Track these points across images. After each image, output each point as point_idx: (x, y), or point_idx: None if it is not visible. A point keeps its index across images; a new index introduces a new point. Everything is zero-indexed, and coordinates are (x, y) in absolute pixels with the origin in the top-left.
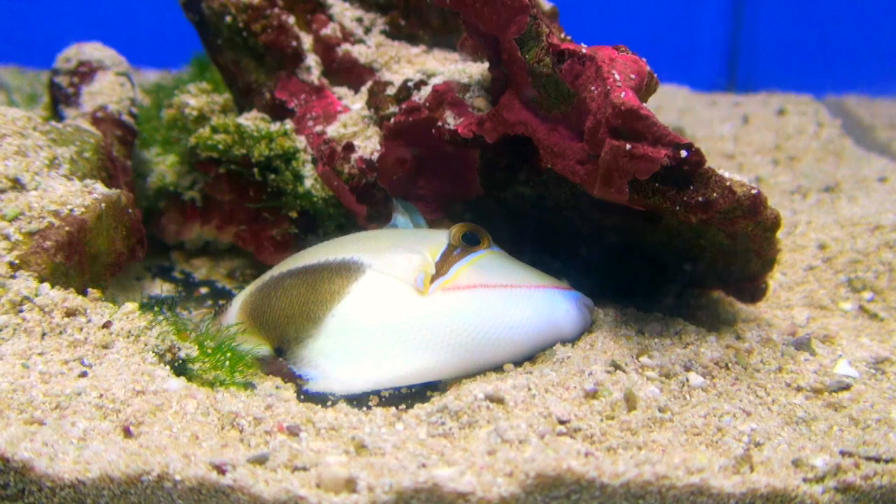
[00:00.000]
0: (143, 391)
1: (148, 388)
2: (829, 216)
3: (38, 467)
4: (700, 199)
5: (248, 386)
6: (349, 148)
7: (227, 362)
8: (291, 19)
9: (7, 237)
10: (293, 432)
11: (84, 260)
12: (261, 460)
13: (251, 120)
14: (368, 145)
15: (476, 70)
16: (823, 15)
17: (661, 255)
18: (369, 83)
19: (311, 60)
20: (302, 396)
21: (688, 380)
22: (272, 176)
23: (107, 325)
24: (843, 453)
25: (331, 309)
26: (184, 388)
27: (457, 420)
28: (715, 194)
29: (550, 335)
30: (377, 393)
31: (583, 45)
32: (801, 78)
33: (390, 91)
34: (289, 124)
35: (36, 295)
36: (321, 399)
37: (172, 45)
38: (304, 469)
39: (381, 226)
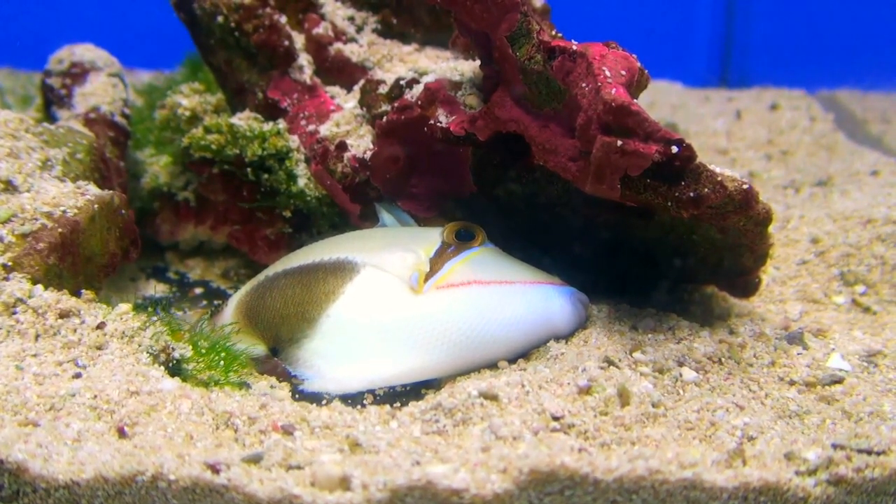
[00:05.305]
0: (138, 392)
1: (142, 389)
2: (822, 210)
3: (32, 469)
4: (691, 194)
5: (243, 385)
6: (342, 147)
7: (222, 362)
8: (283, 19)
9: (0, 239)
10: (288, 431)
11: (77, 261)
12: (255, 459)
13: (244, 120)
14: (361, 144)
15: (468, 68)
16: (815, 9)
17: (653, 251)
18: (361, 82)
19: (304, 59)
20: (296, 396)
21: (681, 375)
22: (265, 175)
23: (101, 327)
24: (835, 446)
25: (325, 309)
26: (178, 388)
27: (451, 417)
28: (706, 189)
29: (545, 331)
30: (372, 391)
31: (573, 41)
32: (794, 73)
33: (382, 89)
34: (282, 124)
35: (29, 296)
36: (316, 398)
37: (165, 46)
38: (299, 468)
39: (374, 224)
